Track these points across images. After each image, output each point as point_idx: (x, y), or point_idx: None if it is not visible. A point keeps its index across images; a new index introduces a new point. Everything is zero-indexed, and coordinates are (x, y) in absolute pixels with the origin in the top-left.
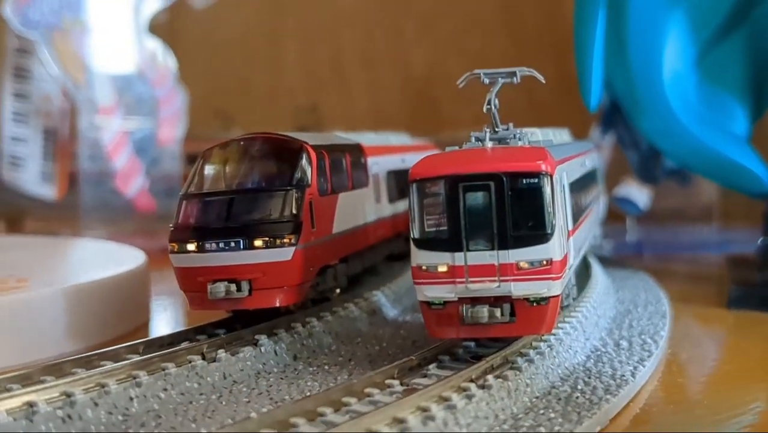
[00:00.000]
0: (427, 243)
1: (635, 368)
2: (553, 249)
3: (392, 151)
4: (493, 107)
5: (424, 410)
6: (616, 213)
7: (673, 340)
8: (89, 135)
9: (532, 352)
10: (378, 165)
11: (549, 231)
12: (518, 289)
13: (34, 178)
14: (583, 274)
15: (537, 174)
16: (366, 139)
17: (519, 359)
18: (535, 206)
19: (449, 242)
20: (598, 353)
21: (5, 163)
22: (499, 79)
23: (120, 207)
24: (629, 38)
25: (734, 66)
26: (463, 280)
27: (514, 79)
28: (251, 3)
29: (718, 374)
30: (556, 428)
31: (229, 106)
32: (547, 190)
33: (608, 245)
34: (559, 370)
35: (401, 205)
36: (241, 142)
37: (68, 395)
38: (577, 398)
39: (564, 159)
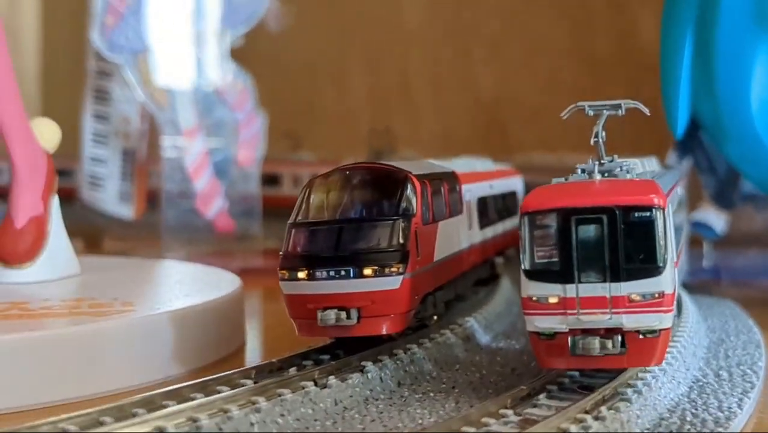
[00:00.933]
0: (538, 274)
1: (740, 399)
2: (665, 282)
3: (481, 177)
4: (600, 139)
5: None
6: (693, 238)
7: None
8: (171, 156)
9: (639, 383)
10: (470, 192)
11: (661, 264)
12: (630, 321)
13: (112, 198)
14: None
15: (650, 207)
16: (456, 166)
17: (628, 391)
18: (647, 239)
19: (560, 274)
20: (700, 383)
21: (85, 183)
22: (604, 111)
23: (200, 228)
24: (717, 65)
25: None
26: (575, 311)
27: (620, 111)
28: (319, 26)
29: None
30: None
31: (297, 128)
32: (659, 223)
33: (685, 270)
34: (665, 401)
35: (489, 232)
36: (347, 172)
37: (194, 420)
38: (689, 429)
39: (669, 191)
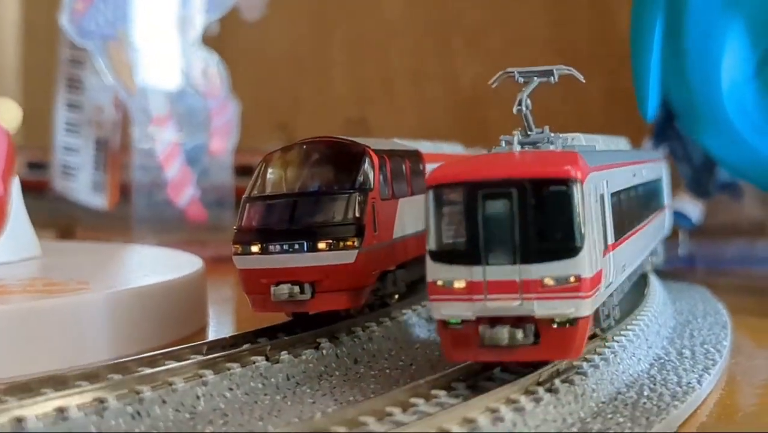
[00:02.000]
0: (444, 256)
1: (701, 376)
2: (582, 264)
3: (448, 159)
4: (524, 108)
5: (493, 411)
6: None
7: (735, 350)
8: (141, 145)
9: (597, 358)
10: None
11: (578, 244)
12: (542, 308)
13: (85, 188)
14: (638, 290)
15: (564, 180)
16: (423, 146)
17: (584, 364)
18: (562, 216)
19: (467, 255)
20: (662, 361)
21: (58, 173)
22: (535, 78)
23: (171, 217)
24: (687, 48)
25: None
26: (482, 297)
27: (552, 78)
28: (300, 16)
29: None
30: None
31: (278, 118)
32: (577, 198)
33: (660, 258)
34: (624, 376)
35: None
36: (303, 146)
37: (137, 392)
38: (644, 403)
39: (605, 166)
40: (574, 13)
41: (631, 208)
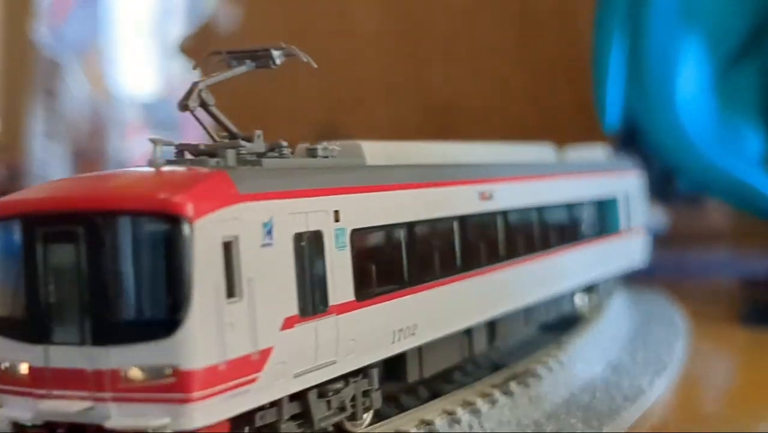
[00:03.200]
0: (4, 326)
1: (652, 379)
2: (186, 347)
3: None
4: (194, 104)
5: (450, 413)
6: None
7: (689, 354)
8: (116, 154)
9: (551, 361)
10: None
11: (179, 315)
12: (123, 416)
13: None
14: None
15: (167, 216)
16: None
17: (539, 367)
18: (155, 270)
19: (28, 327)
20: (615, 364)
21: (35, 182)
22: (247, 62)
23: None
24: (646, 60)
25: (749, 91)
26: (44, 392)
27: (272, 62)
28: (275, 26)
29: (733, 388)
30: None
31: (251, 127)
32: (182, 243)
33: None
34: (578, 380)
35: None
36: None
37: None
38: (596, 406)
39: (329, 190)
40: (541, 25)
41: (465, 244)
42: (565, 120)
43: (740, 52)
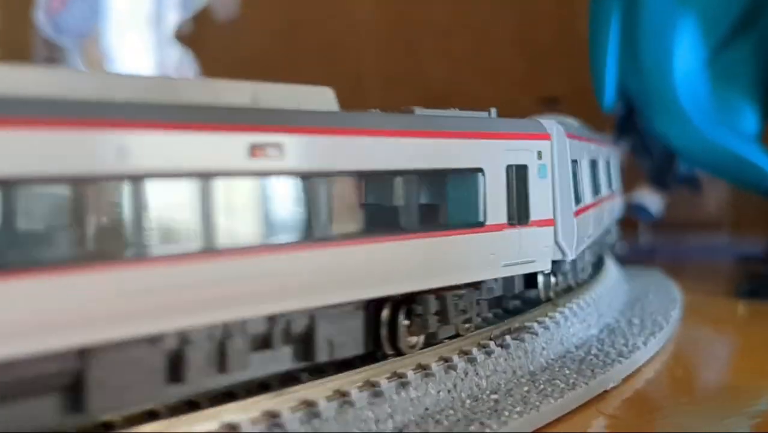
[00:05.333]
0: None
1: (647, 339)
2: None
3: None
4: None
5: (446, 360)
6: (630, 220)
7: (683, 321)
8: None
9: (548, 320)
10: None
11: None
12: None
13: None
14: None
15: None
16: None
17: (536, 325)
18: None
19: None
20: (612, 327)
21: None
22: None
23: None
24: (642, 39)
25: (745, 67)
26: None
27: None
28: (272, 16)
29: (726, 351)
30: (571, 381)
31: None
32: None
33: (622, 248)
34: (574, 339)
35: None
36: None
37: None
38: (591, 360)
39: None
40: (538, 12)
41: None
42: (563, 108)
43: (735, 30)
